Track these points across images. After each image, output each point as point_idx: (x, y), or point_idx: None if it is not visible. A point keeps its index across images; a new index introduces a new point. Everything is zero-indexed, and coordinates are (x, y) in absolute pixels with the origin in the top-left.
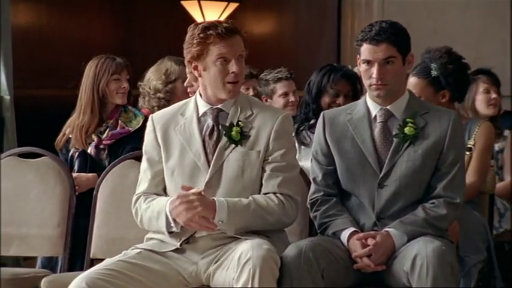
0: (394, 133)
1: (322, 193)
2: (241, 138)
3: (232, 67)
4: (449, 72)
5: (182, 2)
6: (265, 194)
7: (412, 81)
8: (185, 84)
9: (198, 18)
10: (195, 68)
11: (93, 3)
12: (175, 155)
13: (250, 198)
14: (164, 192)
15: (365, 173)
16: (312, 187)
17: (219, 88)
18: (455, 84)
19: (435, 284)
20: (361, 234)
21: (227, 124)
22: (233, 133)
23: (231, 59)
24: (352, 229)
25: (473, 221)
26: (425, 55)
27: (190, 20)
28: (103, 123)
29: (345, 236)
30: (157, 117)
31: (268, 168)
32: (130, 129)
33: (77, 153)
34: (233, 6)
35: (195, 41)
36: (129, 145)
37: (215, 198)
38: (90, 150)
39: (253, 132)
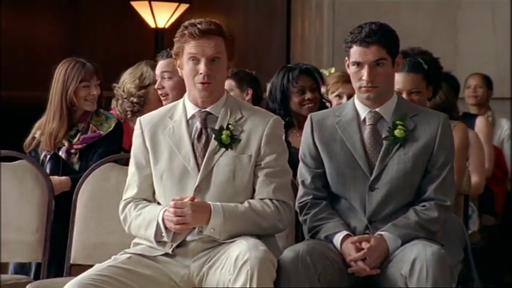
0: (383, 135)
1: (311, 196)
2: (232, 142)
3: (201, 68)
4: (436, 66)
5: (132, 3)
6: (260, 199)
7: (408, 78)
8: (155, 86)
9: (148, 19)
10: (178, 65)
11: (40, 3)
12: (164, 159)
13: (246, 204)
14: (154, 196)
15: (355, 176)
16: (301, 190)
17: (192, 88)
18: (439, 80)
19: (435, 286)
20: (355, 238)
21: (217, 127)
22: (223, 137)
23: (200, 59)
24: (345, 232)
25: (453, 222)
26: (403, 55)
27: (140, 21)
28: (73, 128)
29: (337, 239)
30: (145, 121)
31: (261, 173)
32: (101, 132)
33: (49, 156)
34: (184, 7)
35: (175, 39)
36: (100, 148)
37: (211, 204)
38: (61, 154)
39: (244, 136)
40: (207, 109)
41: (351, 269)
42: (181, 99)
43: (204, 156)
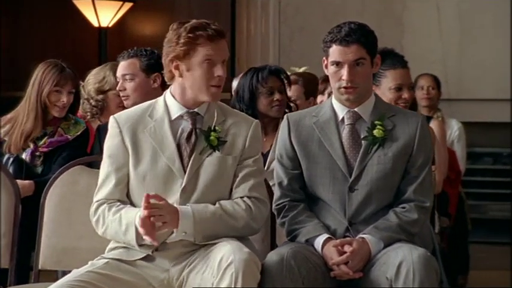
0: (362, 136)
1: (288, 198)
2: (219, 143)
3: (218, 70)
4: None
5: (74, 1)
6: (234, 199)
7: (406, 73)
8: (117, 87)
9: (91, 18)
10: (177, 67)
11: None
12: (147, 159)
13: (217, 204)
14: (127, 197)
15: (334, 177)
16: (277, 192)
17: (203, 91)
18: None
19: None
20: (337, 241)
21: (204, 128)
22: (211, 138)
23: (217, 62)
24: (326, 235)
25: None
26: (388, 53)
27: (82, 19)
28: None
29: (319, 242)
30: (122, 119)
31: (241, 173)
32: (69, 137)
33: (12, 159)
34: (128, 5)
35: (182, 40)
36: (65, 152)
37: (178, 208)
38: (25, 156)
39: (229, 138)
40: (196, 110)
41: (333, 272)
42: (160, 98)
43: (189, 157)
